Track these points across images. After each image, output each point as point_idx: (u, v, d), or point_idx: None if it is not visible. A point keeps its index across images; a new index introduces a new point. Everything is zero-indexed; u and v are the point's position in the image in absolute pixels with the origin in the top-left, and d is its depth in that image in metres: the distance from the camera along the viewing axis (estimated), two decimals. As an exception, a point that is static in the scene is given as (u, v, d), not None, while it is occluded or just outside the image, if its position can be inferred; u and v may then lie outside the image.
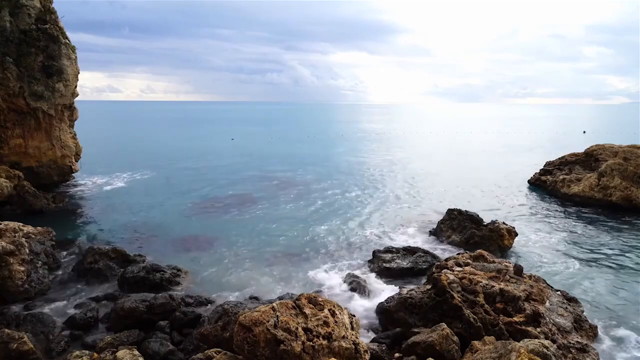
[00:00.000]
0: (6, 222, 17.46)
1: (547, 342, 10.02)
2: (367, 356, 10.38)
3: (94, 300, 15.60)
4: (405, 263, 18.34)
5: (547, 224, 25.28)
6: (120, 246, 20.15)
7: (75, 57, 31.55)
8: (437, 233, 22.99)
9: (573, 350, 11.70)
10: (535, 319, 12.49)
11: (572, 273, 18.40)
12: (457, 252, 19.07)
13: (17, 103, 28.81)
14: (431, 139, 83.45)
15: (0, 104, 28.25)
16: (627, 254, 20.44)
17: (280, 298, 14.59)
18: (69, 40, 31.19)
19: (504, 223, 21.88)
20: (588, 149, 35.27)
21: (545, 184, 34.41)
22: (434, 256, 18.92)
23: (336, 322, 10.38)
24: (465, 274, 14.15)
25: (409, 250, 19.53)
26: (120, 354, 10.86)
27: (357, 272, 17.96)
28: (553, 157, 38.49)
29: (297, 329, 9.83)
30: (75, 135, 33.73)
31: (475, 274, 14.17)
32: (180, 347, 12.65)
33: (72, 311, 14.59)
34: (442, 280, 13.40)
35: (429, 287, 14.00)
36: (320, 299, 10.93)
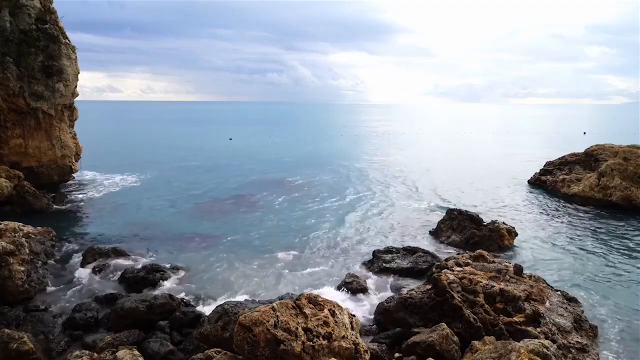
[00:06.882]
0: (6, 222, 17.47)
1: (547, 342, 10.02)
2: (367, 356, 10.38)
3: (94, 300, 15.59)
4: (405, 263, 18.34)
5: (547, 224, 25.27)
6: (120, 246, 20.19)
7: (75, 57, 31.55)
8: (437, 233, 22.99)
9: (573, 350, 11.70)
10: (535, 319, 12.49)
11: (572, 273, 18.40)
12: (457, 252, 19.10)
13: (17, 103, 28.81)
14: (432, 139, 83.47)
15: (0, 104, 28.25)
16: (627, 254, 20.43)
17: (280, 298, 14.59)
18: (69, 40, 31.18)
19: (504, 223, 21.89)
20: (588, 149, 35.27)
21: (545, 184, 34.41)
22: (434, 256, 18.91)
23: (336, 322, 10.38)
24: (465, 274, 14.15)
25: (409, 250, 19.53)
26: (120, 354, 10.86)
27: (357, 272, 17.96)
28: (553, 157, 38.49)
29: (297, 329, 9.82)
30: (75, 135, 33.73)
31: (475, 274, 14.17)
32: (180, 347, 12.65)
33: (72, 311, 14.58)
34: (442, 280, 13.39)
35: (429, 287, 14.00)
36: (320, 299, 10.92)
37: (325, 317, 10.33)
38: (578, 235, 23.19)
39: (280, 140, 78.36)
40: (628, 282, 17.55)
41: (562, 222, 25.63)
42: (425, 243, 21.95)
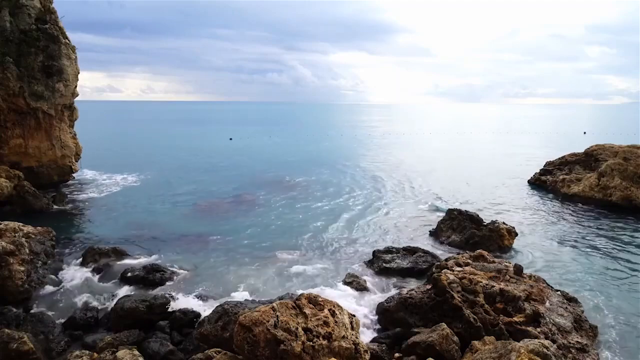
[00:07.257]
0: (6, 222, 17.46)
1: (547, 342, 10.03)
2: (367, 356, 10.38)
3: (94, 300, 15.60)
4: (405, 263, 18.34)
5: (547, 224, 25.27)
6: (120, 246, 20.18)
7: (75, 57, 31.56)
8: (437, 233, 22.99)
9: (573, 350, 11.70)
10: (535, 319, 12.49)
11: (572, 273, 18.39)
12: (457, 252, 19.09)
13: (17, 103, 28.82)
14: (432, 139, 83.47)
15: (0, 104, 28.26)
16: (627, 254, 20.43)
17: (280, 298, 14.58)
18: (69, 40, 31.19)
19: (504, 223, 21.88)
20: (588, 149, 35.30)
21: (545, 184, 34.42)
22: (434, 256, 18.91)
23: (336, 322, 10.38)
24: (465, 274, 14.15)
25: (409, 250, 19.52)
26: (120, 354, 10.87)
27: (357, 272, 17.97)
28: (553, 157, 38.50)
29: (297, 329, 9.83)
30: (75, 135, 33.74)
31: (475, 274, 14.17)
32: (180, 347, 12.65)
33: (72, 311, 14.59)
34: (442, 280, 13.39)
35: (429, 287, 14.00)
36: (320, 299, 10.93)
37: (325, 317, 10.33)
38: (578, 235, 23.19)
39: (280, 140, 78.35)
40: (628, 282, 17.55)
41: (562, 222, 25.62)
42: (425, 243, 21.95)
